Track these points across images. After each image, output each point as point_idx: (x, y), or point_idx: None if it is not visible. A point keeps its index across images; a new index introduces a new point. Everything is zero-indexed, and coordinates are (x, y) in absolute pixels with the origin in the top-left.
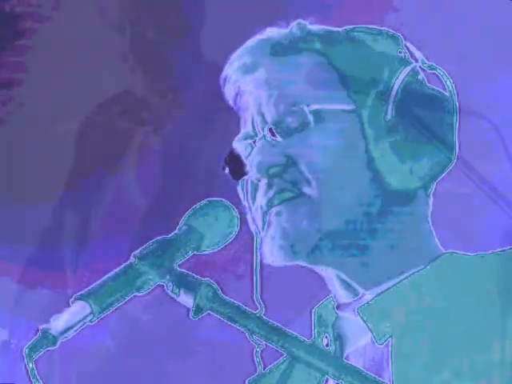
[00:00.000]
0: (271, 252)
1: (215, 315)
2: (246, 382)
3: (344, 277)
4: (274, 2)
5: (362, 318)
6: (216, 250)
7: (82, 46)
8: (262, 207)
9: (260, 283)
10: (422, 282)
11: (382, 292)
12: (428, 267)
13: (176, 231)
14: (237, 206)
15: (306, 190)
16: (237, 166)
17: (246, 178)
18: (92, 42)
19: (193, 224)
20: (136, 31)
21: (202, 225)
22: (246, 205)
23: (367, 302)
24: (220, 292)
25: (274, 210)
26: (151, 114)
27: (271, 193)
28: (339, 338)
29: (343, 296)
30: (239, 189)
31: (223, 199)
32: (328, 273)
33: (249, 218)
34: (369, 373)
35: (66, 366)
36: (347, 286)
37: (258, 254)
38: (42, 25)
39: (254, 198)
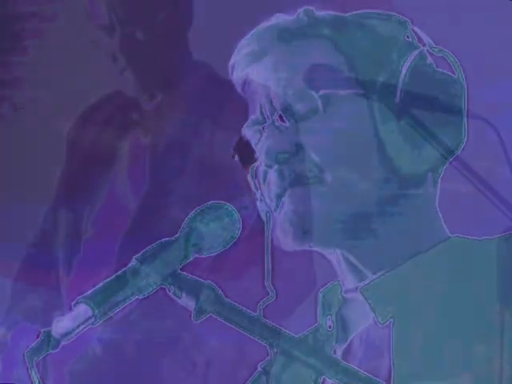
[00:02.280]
0: (282, 233)
1: (217, 318)
2: (259, 365)
3: (353, 260)
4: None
5: (364, 297)
6: (218, 252)
7: (72, 46)
8: (274, 194)
9: (271, 269)
10: (427, 264)
11: (385, 272)
12: (433, 250)
13: (178, 234)
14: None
15: (317, 175)
16: (246, 153)
17: (255, 165)
18: (81, 43)
19: (195, 226)
20: (125, 32)
21: (204, 227)
22: (257, 192)
23: (370, 282)
24: (222, 294)
25: (287, 192)
26: (141, 115)
27: (282, 181)
28: (344, 322)
29: (351, 280)
30: (249, 177)
31: (225, 202)
32: (337, 256)
33: (259, 205)
34: (363, 371)
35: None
36: (355, 270)
37: (269, 241)
38: (28, 25)
39: (265, 185)
